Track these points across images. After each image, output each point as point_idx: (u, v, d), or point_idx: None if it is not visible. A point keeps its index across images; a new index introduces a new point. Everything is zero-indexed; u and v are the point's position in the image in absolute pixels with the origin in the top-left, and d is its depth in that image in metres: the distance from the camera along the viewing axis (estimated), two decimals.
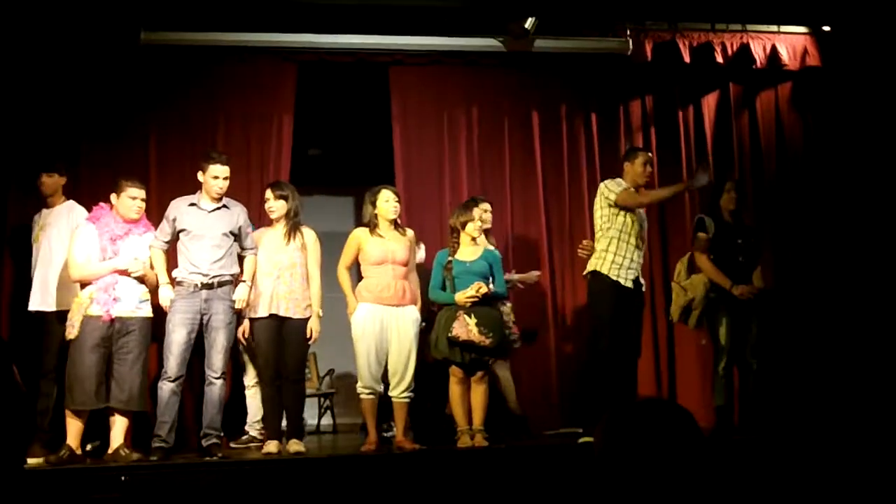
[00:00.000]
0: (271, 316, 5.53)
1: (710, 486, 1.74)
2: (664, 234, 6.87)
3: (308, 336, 5.59)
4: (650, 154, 6.03)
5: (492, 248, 5.93)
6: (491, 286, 5.54)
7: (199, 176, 5.56)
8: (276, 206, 5.65)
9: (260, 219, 6.07)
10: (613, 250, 5.69)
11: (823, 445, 5.00)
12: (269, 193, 5.71)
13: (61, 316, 5.52)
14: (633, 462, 1.74)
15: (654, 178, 7.09)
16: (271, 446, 5.47)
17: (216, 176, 5.53)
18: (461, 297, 5.46)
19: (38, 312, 5.65)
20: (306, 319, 5.58)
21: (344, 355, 6.01)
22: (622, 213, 5.71)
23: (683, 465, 1.73)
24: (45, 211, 5.79)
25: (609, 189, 5.74)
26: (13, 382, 2.41)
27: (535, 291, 6.86)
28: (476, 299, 5.46)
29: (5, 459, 1.83)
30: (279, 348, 5.56)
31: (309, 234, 5.71)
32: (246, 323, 5.63)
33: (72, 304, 5.43)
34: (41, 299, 5.64)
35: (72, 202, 5.81)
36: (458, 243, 5.69)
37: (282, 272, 5.55)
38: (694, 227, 6.06)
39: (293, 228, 5.63)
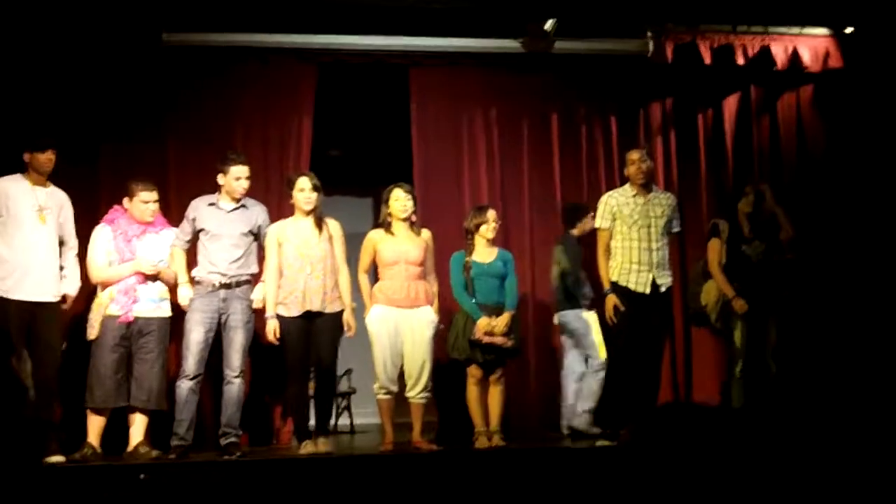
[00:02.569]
0: (303, 313, 5.40)
1: (736, 486, 1.74)
2: (682, 239, 6.83)
3: (345, 329, 5.49)
4: (640, 150, 5.99)
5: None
6: (510, 342, 5.60)
7: (220, 178, 5.57)
8: (312, 196, 5.48)
9: (280, 217, 6.07)
10: (619, 258, 5.72)
11: (839, 445, 4.97)
12: (305, 182, 5.48)
13: (53, 307, 5.37)
14: (663, 463, 1.74)
15: (674, 180, 7.12)
16: (308, 446, 5.41)
17: (238, 177, 5.55)
18: (480, 331, 5.53)
19: (36, 303, 5.32)
20: (338, 313, 5.47)
21: (361, 355, 6.01)
22: (617, 219, 5.75)
23: (712, 466, 1.73)
24: (37, 189, 5.43)
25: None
26: (14, 378, 2.43)
27: (552, 293, 6.87)
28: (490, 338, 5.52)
29: (21, 455, 1.85)
30: (310, 343, 5.44)
31: (334, 226, 5.59)
32: (274, 322, 5.41)
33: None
34: (43, 287, 5.38)
35: (55, 187, 5.55)
36: (474, 245, 5.72)
37: (314, 266, 5.41)
38: (709, 231, 6.06)
39: (320, 220, 5.55)
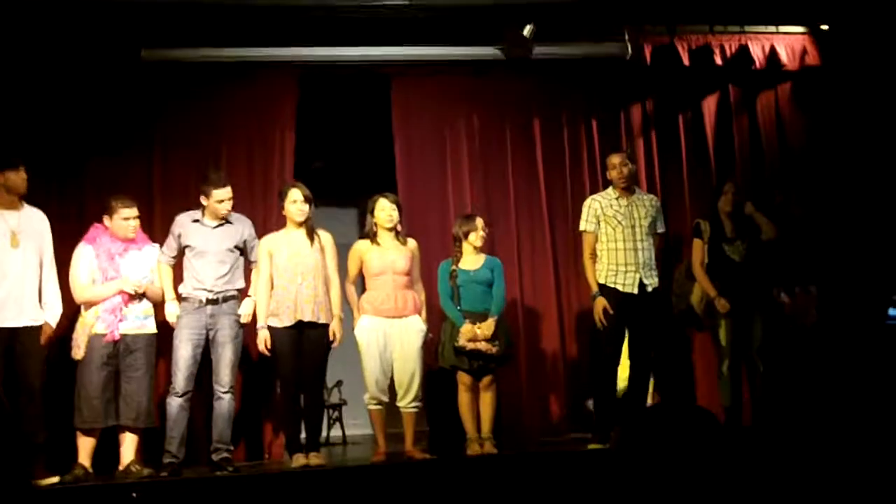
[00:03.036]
0: (295, 324, 5.43)
1: (730, 486, 1.74)
2: (667, 240, 6.86)
3: (331, 339, 5.52)
4: (621, 154, 5.99)
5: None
6: (494, 348, 5.57)
7: (203, 200, 5.56)
8: (305, 207, 5.53)
9: (265, 229, 6.08)
10: (605, 260, 5.75)
11: (833, 444, 4.99)
12: (297, 194, 5.53)
13: (33, 331, 5.30)
14: (654, 464, 1.75)
15: (657, 181, 7.16)
16: (300, 459, 5.42)
17: (221, 199, 5.54)
18: (464, 338, 5.52)
19: (14, 328, 5.24)
20: (328, 325, 5.51)
21: (352, 366, 6.01)
22: (602, 221, 5.78)
23: (705, 465, 1.73)
24: (8, 213, 5.31)
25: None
26: None
27: (541, 297, 6.90)
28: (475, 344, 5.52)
29: (9, 477, 1.84)
30: (300, 356, 5.47)
31: (325, 237, 5.65)
32: (265, 332, 5.48)
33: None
34: (21, 313, 5.28)
35: (29, 207, 5.45)
36: (461, 252, 5.74)
37: (305, 276, 5.45)
38: (691, 232, 6.10)
39: (311, 231, 5.59)
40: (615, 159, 5.90)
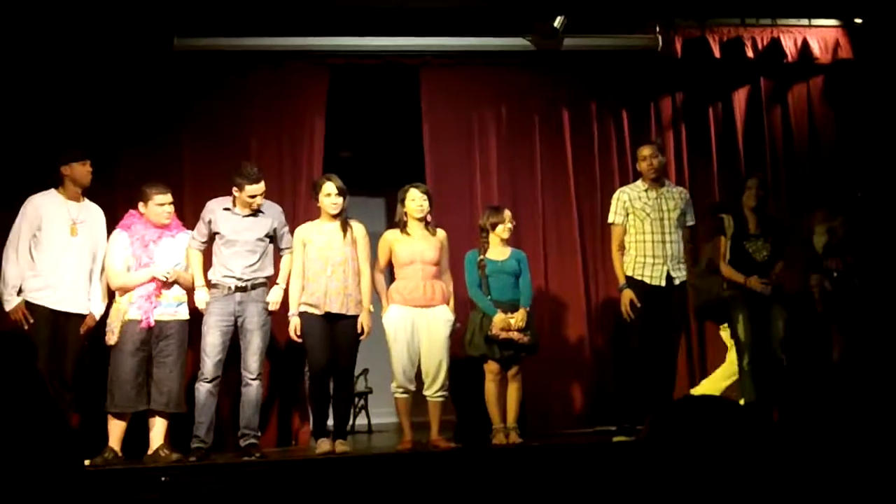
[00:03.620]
0: (324, 314, 5.49)
1: (764, 482, 1.74)
2: (695, 233, 6.83)
3: (360, 332, 5.58)
4: (651, 146, 5.94)
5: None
6: (525, 338, 5.61)
7: (235, 191, 5.59)
8: (339, 200, 5.57)
9: (294, 219, 6.13)
10: (633, 252, 5.74)
11: (856, 440, 4.97)
12: (331, 187, 5.57)
13: (79, 320, 5.46)
14: (686, 458, 1.75)
15: (685, 174, 7.13)
16: (324, 445, 5.48)
17: (253, 195, 5.56)
18: (497, 327, 5.54)
19: (64, 312, 5.42)
20: (357, 316, 5.57)
21: (378, 355, 6.05)
22: (630, 213, 5.77)
23: (738, 461, 1.73)
24: (70, 203, 5.53)
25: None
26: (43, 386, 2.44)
27: (567, 289, 6.90)
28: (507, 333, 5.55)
29: (66, 462, 1.88)
30: (330, 345, 5.52)
31: (358, 229, 5.69)
32: (296, 320, 5.54)
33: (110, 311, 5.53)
34: (73, 299, 5.47)
35: (89, 201, 5.66)
36: (488, 243, 5.75)
37: (335, 268, 5.51)
38: (714, 227, 6.05)
39: (345, 223, 5.63)
40: (645, 151, 5.88)
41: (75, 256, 5.47)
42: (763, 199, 5.92)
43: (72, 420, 5.64)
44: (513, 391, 5.68)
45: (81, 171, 5.55)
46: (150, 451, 5.50)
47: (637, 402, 5.64)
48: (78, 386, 5.54)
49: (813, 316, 6.28)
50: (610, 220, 5.89)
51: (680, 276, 5.72)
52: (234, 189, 5.59)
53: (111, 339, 5.44)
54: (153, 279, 5.50)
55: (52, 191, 5.55)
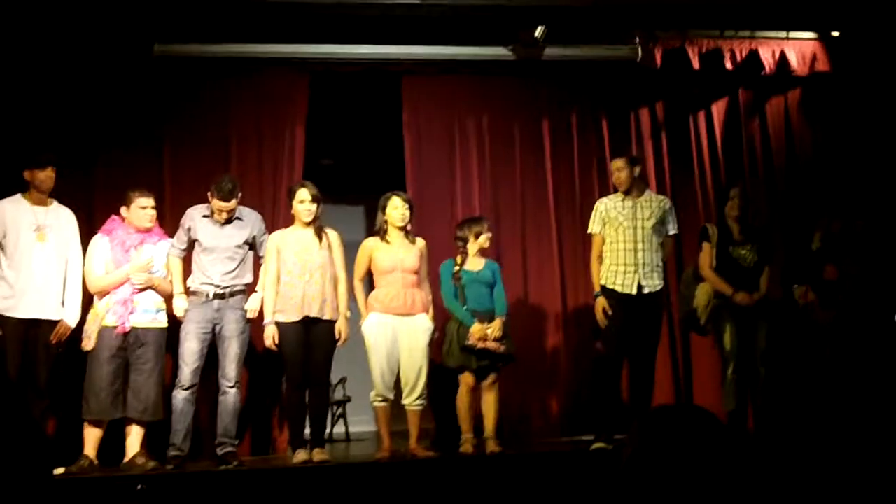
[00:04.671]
0: (302, 319, 5.46)
1: (741, 491, 1.75)
2: (678, 242, 6.88)
3: (336, 338, 5.56)
4: (617, 161, 5.96)
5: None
6: (502, 347, 5.62)
7: (209, 198, 5.57)
8: (312, 207, 5.57)
9: (273, 226, 6.11)
10: (607, 261, 5.77)
11: (835, 450, 5.00)
12: (305, 194, 5.56)
13: (51, 327, 5.39)
14: (666, 467, 1.76)
15: (667, 184, 7.17)
16: (301, 455, 5.43)
17: (221, 210, 5.55)
18: (475, 337, 5.55)
19: (34, 320, 5.36)
20: (334, 322, 5.54)
21: (356, 363, 6.04)
22: (606, 223, 5.80)
23: (716, 470, 1.74)
24: (37, 208, 5.47)
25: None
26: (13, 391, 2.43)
27: (546, 299, 6.92)
28: (484, 343, 5.55)
29: (35, 472, 1.86)
30: (307, 352, 5.50)
31: (333, 235, 5.68)
32: (273, 328, 5.49)
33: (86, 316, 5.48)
34: (43, 305, 5.40)
35: (58, 204, 5.60)
36: (467, 253, 5.76)
37: (313, 273, 5.49)
38: (699, 237, 6.10)
39: (320, 229, 5.62)
40: (614, 164, 5.96)
41: (44, 262, 5.41)
42: (745, 209, 5.97)
43: (47, 427, 5.60)
44: (490, 400, 5.68)
45: (42, 176, 5.47)
46: (126, 459, 5.45)
47: (612, 410, 5.66)
48: (53, 393, 5.49)
49: (796, 326, 6.34)
50: (589, 230, 5.92)
51: (651, 284, 5.72)
52: (209, 195, 5.58)
53: (88, 344, 5.39)
54: (129, 278, 5.45)
55: (19, 196, 5.50)
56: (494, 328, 5.60)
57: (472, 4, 6.49)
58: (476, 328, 5.56)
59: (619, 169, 5.87)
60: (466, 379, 5.65)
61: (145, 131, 6.59)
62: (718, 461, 1.75)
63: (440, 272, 5.80)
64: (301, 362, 5.48)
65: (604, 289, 5.74)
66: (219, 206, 5.54)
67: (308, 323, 5.47)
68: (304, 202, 5.56)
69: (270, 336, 5.46)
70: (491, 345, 5.57)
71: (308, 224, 5.57)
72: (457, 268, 5.73)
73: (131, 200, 5.54)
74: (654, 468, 1.76)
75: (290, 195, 5.65)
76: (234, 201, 5.57)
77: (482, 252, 5.85)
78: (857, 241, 6.19)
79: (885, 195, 6.99)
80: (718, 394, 6.10)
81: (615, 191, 6.07)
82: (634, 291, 5.69)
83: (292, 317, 5.45)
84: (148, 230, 5.61)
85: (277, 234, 5.67)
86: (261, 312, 5.58)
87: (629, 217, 5.77)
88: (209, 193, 5.57)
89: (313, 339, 5.49)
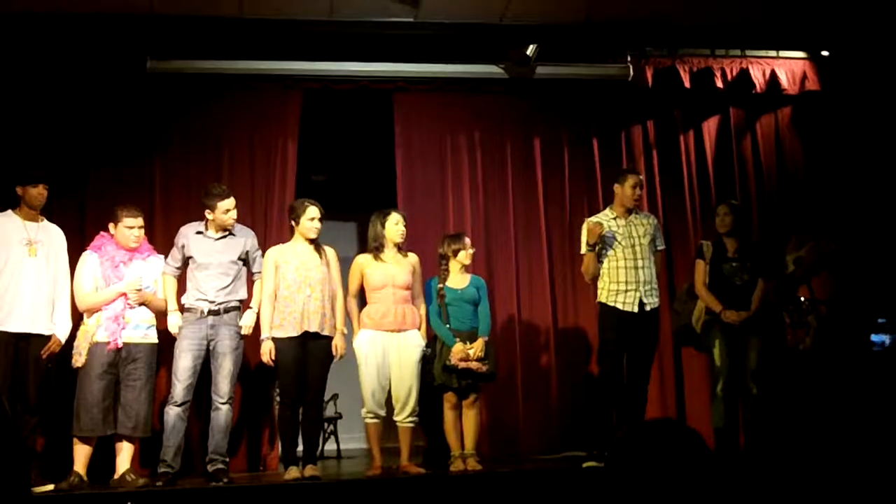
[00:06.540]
0: (301, 334, 5.45)
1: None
2: (670, 258, 6.90)
3: (333, 354, 5.55)
4: (640, 177, 6.03)
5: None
6: (484, 367, 5.61)
7: (208, 214, 5.57)
8: (319, 225, 5.61)
9: (265, 242, 6.11)
10: (607, 279, 5.77)
11: (826, 465, 5.01)
12: (315, 211, 5.57)
13: (41, 341, 5.38)
14: (644, 483, 1.76)
15: (658, 202, 7.20)
16: (293, 472, 5.42)
17: (227, 209, 5.56)
18: (456, 357, 5.56)
19: (24, 334, 5.34)
20: (332, 338, 5.55)
21: (348, 380, 6.03)
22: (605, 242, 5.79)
23: (694, 485, 1.75)
24: (28, 223, 5.48)
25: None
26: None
27: (536, 315, 6.92)
28: (465, 363, 5.56)
29: (9, 486, 1.85)
30: (303, 368, 5.49)
31: (331, 252, 5.70)
32: (270, 343, 5.47)
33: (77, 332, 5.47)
34: (33, 320, 5.39)
35: (50, 223, 5.62)
36: (448, 271, 5.78)
37: (313, 288, 5.49)
38: (695, 253, 6.14)
39: (318, 245, 5.64)
40: (634, 179, 5.90)
41: (34, 276, 5.41)
42: (735, 225, 5.99)
43: (36, 444, 5.57)
44: (470, 419, 5.68)
45: (33, 192, 5.49)
46: (116, 476, 5.42)
47: (608, 428, 5.66)
48: (44, 409, 5.47)
49: (785, 344, 6.36)
50: (582, 250, 5.90)
51: (651, 302, 5.76)
52: (207, 211, 5.58)
53: (78, 361, 5.37)
54: (120, 295, 5.45)
55: (10, 212, 5.51)
56: (476, 348, 5.60)
57: (463, 22, 6.54)
58: (457, 348, 5.57)
59: (639, 185, 5.89)
60: (448, 398, 5.67)
61: (137, 147, 6.59)
62: (696, 477, 1.75)
63: (424, 290, 5.81)
64: (296, 378, 5.47)
65: (604, 306, 5.75)
66: (223, 206, 5.54)
67: (306, 338, 5.47)
68: (314, 220, 5.58)
69: (267, 351, 5.45)
70: (472, 364, 5.57)
71: (311, 241, 5.59)
72: (440, 286, 5.73)
73: (119, 219, 5.53)
74: (632, 484, 1.77)
75: (297, 212, 5.62)
76: (233, 198, 5.59)
77: (468, 268, 5.86)
78: (827, 262, 6.23)
79: (875, 212, 7.04)
80: (702, 410, 6.10)
81: (604, 208, 6.08)
82: (636, 309, 5.70)
83: (291, 332, 5.44)
84: (134, 250, 5.59)
85: (275, 249, 5.67)
86: (257, 328, 5.58)
87: (626, 235, 5.79)
88: (206, 209, 5.57)
89: (310, 354, 5.49)
